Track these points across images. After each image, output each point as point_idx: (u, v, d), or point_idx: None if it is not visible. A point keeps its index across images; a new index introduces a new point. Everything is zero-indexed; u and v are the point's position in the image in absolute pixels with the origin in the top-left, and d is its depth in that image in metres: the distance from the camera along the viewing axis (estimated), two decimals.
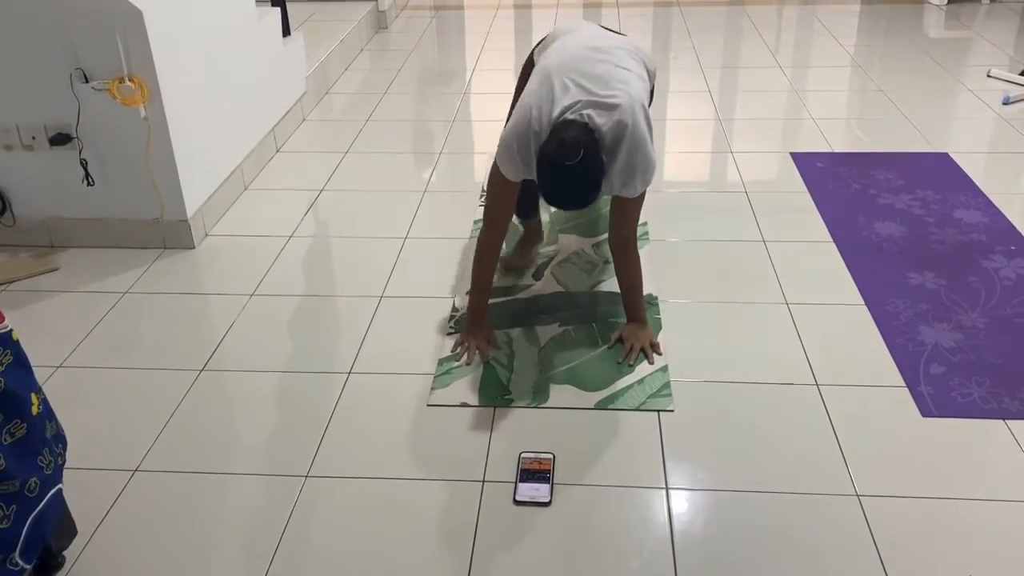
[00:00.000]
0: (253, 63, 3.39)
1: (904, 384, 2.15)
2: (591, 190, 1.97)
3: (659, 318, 2.42)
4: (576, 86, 2.05)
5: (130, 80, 2.56)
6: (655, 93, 2.43)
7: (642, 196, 2.17)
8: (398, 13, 5.80)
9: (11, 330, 1.45)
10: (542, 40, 2.42)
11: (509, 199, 2.21)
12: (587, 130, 1.96)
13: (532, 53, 2.42)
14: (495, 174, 2.16)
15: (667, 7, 5.90)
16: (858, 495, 1.82)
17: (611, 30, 2.40)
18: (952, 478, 1.86)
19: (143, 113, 2.63)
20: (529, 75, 2.25)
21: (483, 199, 3.15)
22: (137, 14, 2.50)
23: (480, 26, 5.55)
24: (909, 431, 2.00)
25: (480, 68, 4.72)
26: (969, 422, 2.02)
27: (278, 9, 3.75)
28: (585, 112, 1.99)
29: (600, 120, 1.99)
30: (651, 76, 2.32)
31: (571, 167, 1.91)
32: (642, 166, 2.05)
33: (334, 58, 4.51)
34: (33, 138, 2.71)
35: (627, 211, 2.19)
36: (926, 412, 2.05)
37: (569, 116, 1.99)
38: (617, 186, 2.09)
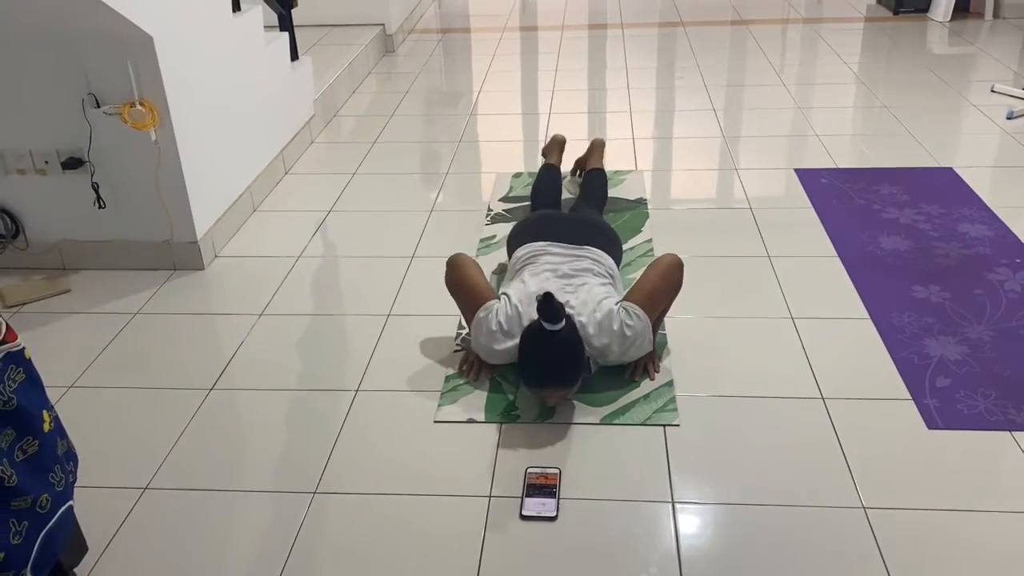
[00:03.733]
0: (262, 87, 3.44)
1: (910, 397, 2.15)
2: (572, 358, 2.03)
3: (665, 333, 2.43)
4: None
5: (141, 104, 2.61)
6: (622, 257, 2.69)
7: (662, 292, 2.24)
8: (405, 37, 5.86)
9: (23, 348, 1.48)
10: (511, 244, 2.57)
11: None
12: (566, 311, 2.06)
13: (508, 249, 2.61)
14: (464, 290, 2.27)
15: (672, 27, 5.95)
16: (864, 508, 1.82)
17: (573, 231, 2.50)
18: (958, 490, 1.86)
19: (153, 137, 2.68)
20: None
21: (488, 219, 3.18)
22: (148, 40, 2.54)
23: (486, 48, 5.60)
24: (915, 443, 2.00)
25: (486, 89, 4.76)
26: (975, 434, 2.02)
27: (286, 34, 3.81)
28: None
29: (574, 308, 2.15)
30: (616, 265, 2.50)
31: (554, 332, 1.98)
32: (630, 328, 2.15)
33: (342, 81, 4.57)
34: (46, 162, 2.75)
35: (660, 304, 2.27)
36: (932, 424, 2.05)
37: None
38: (628, 349, 2.19)
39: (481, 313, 2.21)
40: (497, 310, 2.20)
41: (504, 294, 2.26)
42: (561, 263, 2.35)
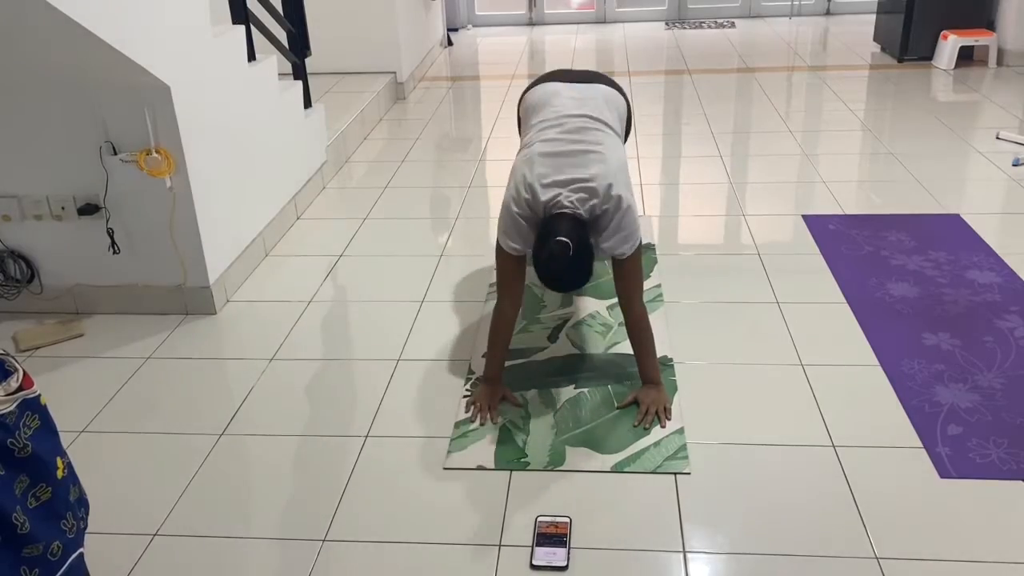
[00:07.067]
0: (275, 134, 3.49)
1: (921, 445, 2.14)
2: (584, 273, 2.16)
3: (675, 380, 2.43)
4: (556, 171, 2.22)
5: (157, 152, 2.65)
6: (633, 121, 2.75)
7: (638, 255, 2.26)
8: (415, 84, 5.95)
9: (39, 395, 1.49)
10: (524, 96, 2.62)
11: (515, 268, 2.31)
12: (575, 221, 2.13)
13: (519, 108, 2.66)
14: (498, 247, 2.30)
15: (679, 75, 6.03)
16: (877, 558, 1.81)
17: (582, 76, 2.58)
18: (972, 540, 1.84)
19: (169, 184, 2.72)
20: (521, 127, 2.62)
21: None
22: (165, 89, 2.60)
23: (495, 96, 5.68)
24: (927, 492, 1.99)
25: (495, 136, 4.82)
26: (988, 483, 2.01)
27: (300, 82, 3.88)
28: (570, 199, 2.15)
29: (585, 204, 2.16)
30: (628, 115, 2.59)
31: (564, 259, 2.07)
32: (630, 227, 2.20)
33: (354, 128, 4.63)
34: (62, 208, 2.79)
35: (626, 272, 2.29)
36: (944, 473, 2.04)
37: (556, 211, 2.16)
38: (616, 249, 2.21)
39: (504, 213, 2.29)
40: (513, 199, 2.25)
41: (521, 176, 2.27)
42: (572, 107, 2.39)
